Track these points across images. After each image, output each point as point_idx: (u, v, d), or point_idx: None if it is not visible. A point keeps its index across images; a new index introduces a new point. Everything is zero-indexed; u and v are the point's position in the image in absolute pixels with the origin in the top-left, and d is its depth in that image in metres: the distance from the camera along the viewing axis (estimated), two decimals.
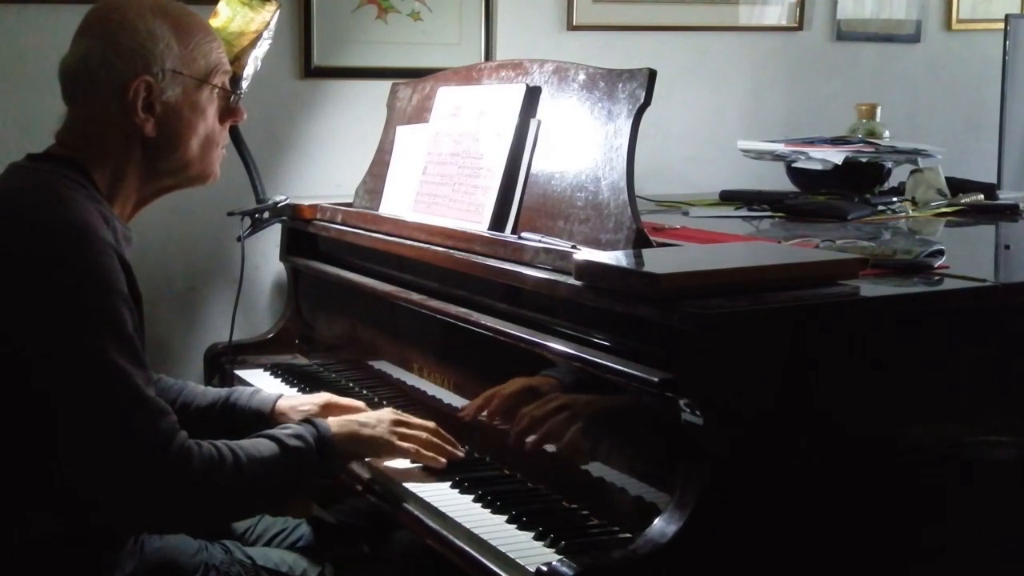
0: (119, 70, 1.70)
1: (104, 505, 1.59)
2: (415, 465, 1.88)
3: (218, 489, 1.63)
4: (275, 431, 1.77)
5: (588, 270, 1.65)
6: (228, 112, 1.84)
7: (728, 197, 2.90)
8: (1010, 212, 2.73)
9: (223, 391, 2.09)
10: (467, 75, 2.35)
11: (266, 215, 2.65)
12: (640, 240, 1.76)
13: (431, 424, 1.93)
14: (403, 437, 1.88)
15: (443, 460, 1.87)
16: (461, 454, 1.91)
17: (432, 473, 1.86)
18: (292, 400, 2.07)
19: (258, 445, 1.71)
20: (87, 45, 1.73)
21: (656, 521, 1.46)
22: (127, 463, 1.56)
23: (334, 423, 1.84)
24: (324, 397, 2.05)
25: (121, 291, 1.60)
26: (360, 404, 2.05)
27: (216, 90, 1.80)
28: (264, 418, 2.01)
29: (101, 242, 1.60)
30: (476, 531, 1.62)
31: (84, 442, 1.55)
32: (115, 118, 1.72)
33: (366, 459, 1.90)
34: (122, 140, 1.73)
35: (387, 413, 1.93)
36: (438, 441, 1.90)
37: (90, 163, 1.72)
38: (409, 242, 2.18)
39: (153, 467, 1.56)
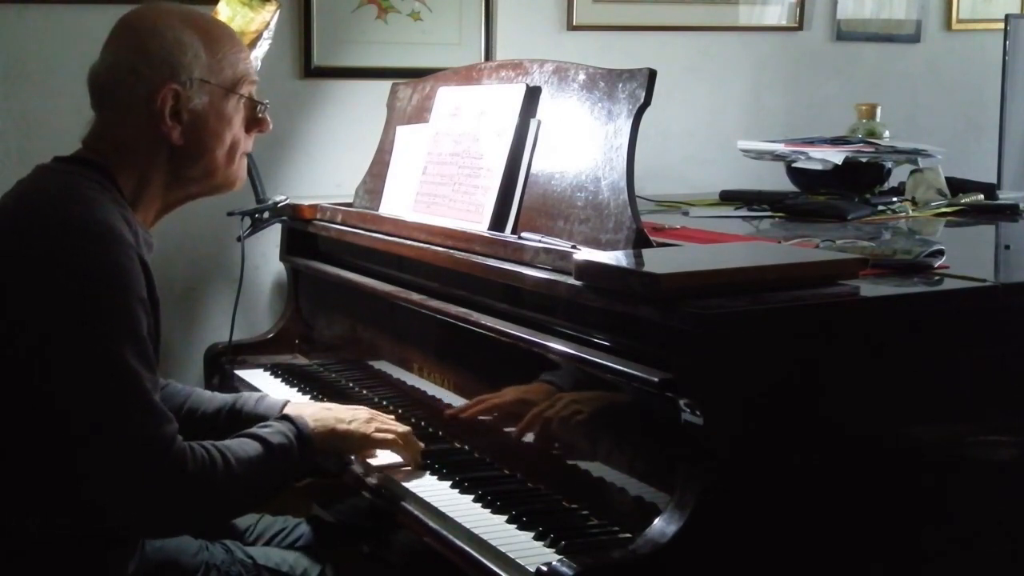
0: (147, 78, 1.71)
1: (101, 504, 1.59)
2: (398, 463, 1.90)
3: (211, 491, 1.65)
4: (257, 430, 1.78)
5: (588, 270, 1.65)
6: (254, 122, 1.85)
7: (728, 197, 2.90)
8: (1010, 212, 2.73)
9: (229, 397, 2.08)
10: (467, 75, 2.35)
11: (266, 215, 2.65)
12: (640, 240, 1.76)
13: (405, 427, 1.95)
14: (378, 430, 1.91)
15: (419, 457, 1.90)
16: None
17: (431, 472, 1.86)
18: (300, 407, 2.05)
19: (244, 446, 1.73)
20: (116, 53, 1.74)
21: (656, 521, 1.46)
22: (128, 464, 1.56)
23: (311, 419, 1.86)
24: (333, 409, 2.01)
25: (139, 293, 1.61)
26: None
27: (243, 100, 1.81)
28: None
29: (122, 243, 1.61)
30: (476, 531, 1.62)
31: (88, 440, 1.55)
32: (143, 125, 1.73)
33: (351, 455, 1.91)
34: (149, 147, 1.74)
35: (362, 411, 1.96)
36: (412, 439, 1.93)
37: (116, 168, 1.73)
38: (409, 242, 2.18)
39: (152, 470, 1.57)
